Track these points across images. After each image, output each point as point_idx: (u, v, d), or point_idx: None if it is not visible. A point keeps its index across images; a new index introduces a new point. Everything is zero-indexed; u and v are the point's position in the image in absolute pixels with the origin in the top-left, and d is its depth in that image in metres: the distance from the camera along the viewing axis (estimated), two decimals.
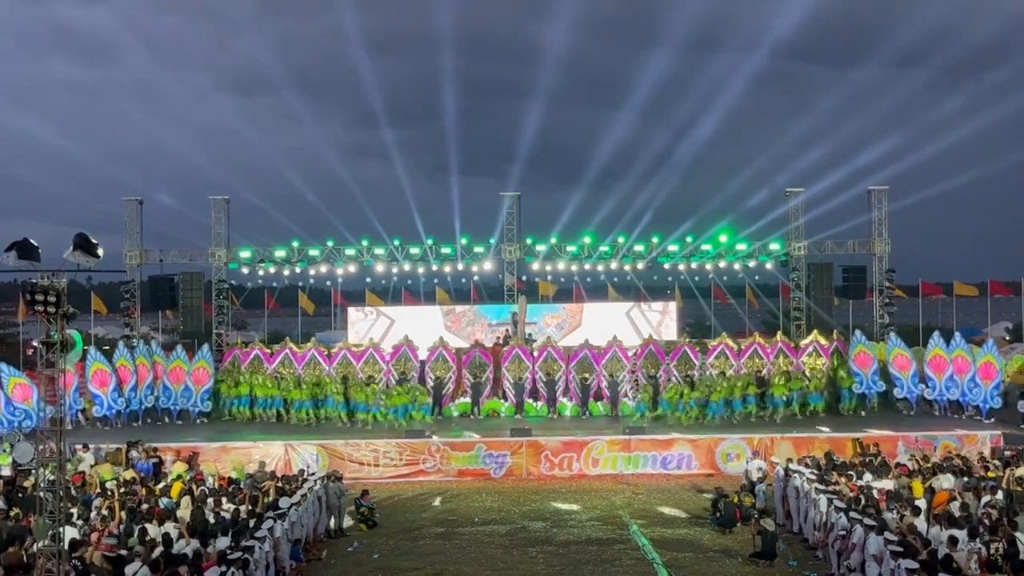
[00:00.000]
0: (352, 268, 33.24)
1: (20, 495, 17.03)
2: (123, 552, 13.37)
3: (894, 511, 15.25)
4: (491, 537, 17.90)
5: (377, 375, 28.33)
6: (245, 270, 33.41)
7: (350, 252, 32.73)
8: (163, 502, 16.75)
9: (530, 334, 30.66)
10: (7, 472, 18.90)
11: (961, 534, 13.46)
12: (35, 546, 12.29)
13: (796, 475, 18.02)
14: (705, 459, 23.23)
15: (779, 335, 30.20)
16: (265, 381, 27.83)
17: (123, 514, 15.82)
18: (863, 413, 27.07)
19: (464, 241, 32.75)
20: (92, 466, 20.84)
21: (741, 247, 32.56)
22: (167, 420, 27.85)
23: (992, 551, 12.94)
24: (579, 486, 22.21)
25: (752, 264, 33.06)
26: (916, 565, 11.85)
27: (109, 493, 17.54)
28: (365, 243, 32.81)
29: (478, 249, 32.88)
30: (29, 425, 24.82)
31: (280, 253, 32.75)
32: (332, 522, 18.56)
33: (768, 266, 33.33)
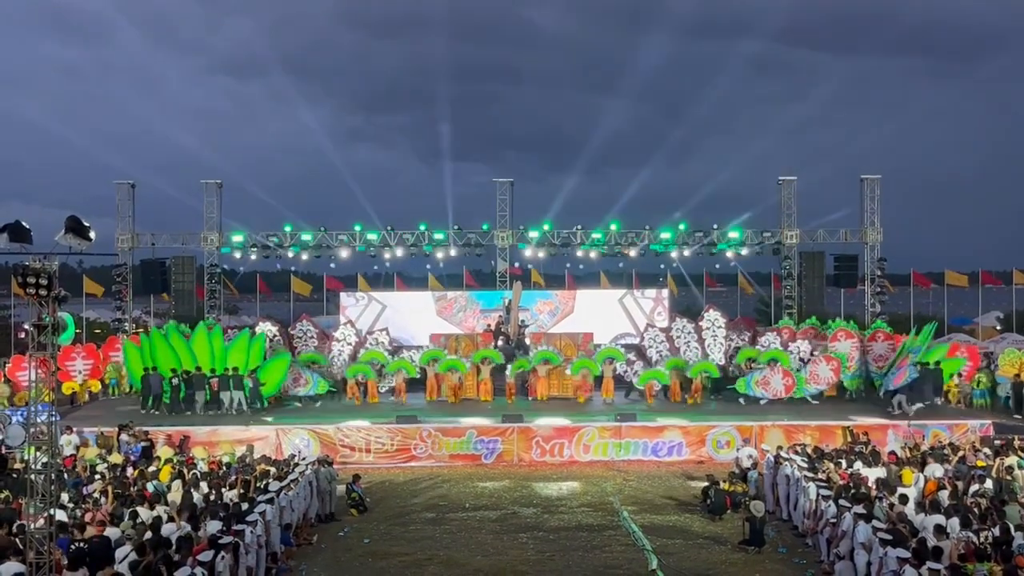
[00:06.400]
0: (344, 253, 33.20)
1: (14, 477, 16.97)
2: (107, 535, 13.34)
3: (883, 499, 15.33)
4: (481, 523, 17.93)
5: None
6: (237, 254, 33.34)
7: (343, 237, 32.68)
8: (153, 485, 16.75)
9: (523, 320, 30.67)
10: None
11: (950, 522, 13.56)
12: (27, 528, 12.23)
13: (786, 463, 18.08)
14: (696, 446, 23.29)
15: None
16: None
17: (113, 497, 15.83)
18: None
19: (456, 227, 32.74)
20: (78, 447, 20.84)
21: (733, 235, 32.58)
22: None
23: (981, 539, 13.03)
24: (570, 472, 22.27)
25: (744, 252, 33.09)
26: (908, 554, 11.89)
27: (99, 477, 17.54)
28: (358, 228, 32.75)
29: (470, 235, 32.87)
30: None
31: (273, 237, 32.69)
32: (323, 507, 18.58)
33: (760, 254, 33.37)
